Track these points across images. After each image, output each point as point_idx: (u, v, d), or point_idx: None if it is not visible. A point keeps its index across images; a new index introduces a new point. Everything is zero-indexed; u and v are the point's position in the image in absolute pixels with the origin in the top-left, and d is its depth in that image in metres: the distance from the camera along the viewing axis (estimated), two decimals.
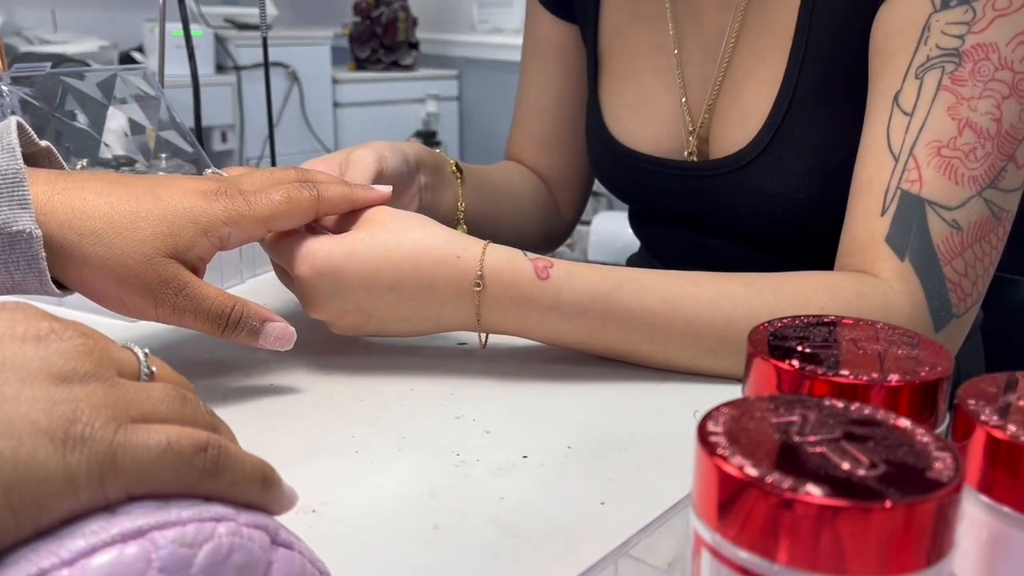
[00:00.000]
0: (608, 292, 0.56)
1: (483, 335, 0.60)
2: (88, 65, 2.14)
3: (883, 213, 0.58)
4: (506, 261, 0.56)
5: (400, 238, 0.56)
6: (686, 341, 0.57)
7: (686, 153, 0.75)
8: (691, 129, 0.75)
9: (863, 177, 0.60)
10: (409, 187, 0.72)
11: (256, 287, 0.77)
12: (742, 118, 0.71)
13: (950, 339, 0.59)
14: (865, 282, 0.57)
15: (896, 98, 0.59)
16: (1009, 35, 0.56)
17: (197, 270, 0.53)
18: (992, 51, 0.56)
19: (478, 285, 0.55)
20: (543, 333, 0.58)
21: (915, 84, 0.58)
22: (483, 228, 0.79)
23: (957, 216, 0.57)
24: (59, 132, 0.78)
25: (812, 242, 0.68)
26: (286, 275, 0.59)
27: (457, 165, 0.79)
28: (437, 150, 0.79)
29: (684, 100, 0.75)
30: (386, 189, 0.60)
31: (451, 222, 0.76)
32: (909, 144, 0.58)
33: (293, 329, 0.55)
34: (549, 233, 0.92)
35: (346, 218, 0.59)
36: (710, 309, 0.56)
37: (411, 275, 0.55)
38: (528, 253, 0.57)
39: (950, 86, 0.57)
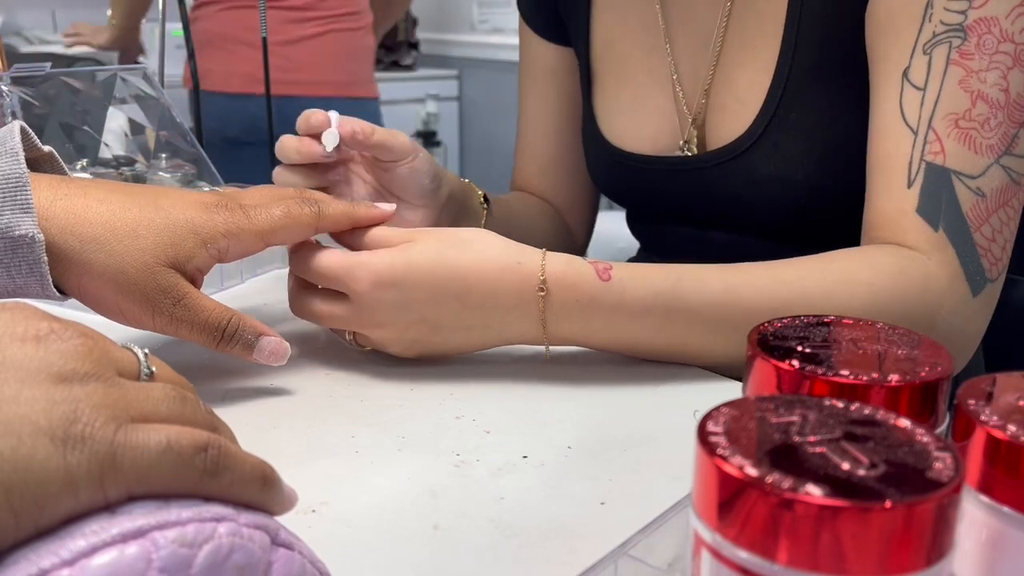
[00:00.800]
0: (671, 287, 0.56)
1: (546, 346, 0.58)
2: (88, 65, 2.14)
3: (909, 186, 0.59)
4: (567, 265, 0.56)
5: (459, 247, 0.55)
6: (747, 329, 0.57)
7: (684, 143, 0.75)
8: (691, 119, 0.75)
9: (880, 152, 0.61)
10: (431, 208, 0.71)
11: (256, 287, 0.77)
12: (737, 107, 0.72)
13: (986, 304, 0.60)
14: (903, 255, 0.59)
15: (906, 74, 0.60)
16: (1007, 8, 0.58)
17: (195, 281, 0.54)
18: (994, 24, 0.58)
19: (542, 290, 0.55)
20: (608, 336, 0.57)
21: (924, 60, 0.59)
22: None
23: (980, 184, 0.58)
24: (59, 132, 0.78)
25: (813, 226, 0.69)
26: (313, 305, 0.57)
27: (485, 196, 0.79)
28: (470, 184, 0.79)
29: (680, 92, 0.76)
30: (390, 207, 0.60)
31: None
32: (926, 118, 0.59)
33: (288, 344, 0.55)
34: None
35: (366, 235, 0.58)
36: (766, 294, 0.57)
37: (476, 283, 0.55)
38: (585, 258, 0.57)
39: (959, 60, 0.58)
